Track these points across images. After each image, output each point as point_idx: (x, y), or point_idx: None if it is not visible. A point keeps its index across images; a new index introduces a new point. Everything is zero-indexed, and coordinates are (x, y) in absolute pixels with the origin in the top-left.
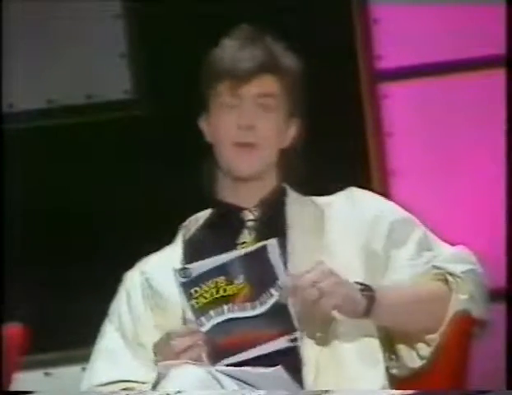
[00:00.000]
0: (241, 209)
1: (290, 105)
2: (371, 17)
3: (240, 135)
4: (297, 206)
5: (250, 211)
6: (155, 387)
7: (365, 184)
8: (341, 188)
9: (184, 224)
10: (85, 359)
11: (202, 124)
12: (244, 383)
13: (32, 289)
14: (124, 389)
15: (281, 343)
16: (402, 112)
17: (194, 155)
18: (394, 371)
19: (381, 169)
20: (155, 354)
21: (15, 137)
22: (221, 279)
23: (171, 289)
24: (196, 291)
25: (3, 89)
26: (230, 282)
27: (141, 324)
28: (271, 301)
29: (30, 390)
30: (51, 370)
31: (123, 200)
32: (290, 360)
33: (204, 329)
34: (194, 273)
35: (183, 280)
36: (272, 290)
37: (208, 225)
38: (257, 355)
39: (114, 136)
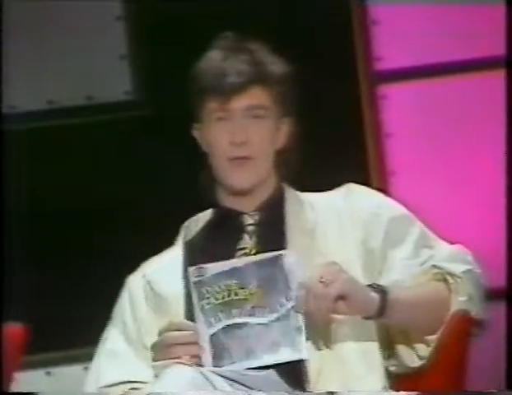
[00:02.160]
0: (240, 213)
1: (280, 110)
2: (370, 19)
3: (234, 150)
4: (295, 206)
5: (250, 216)
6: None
7: (364, 184)
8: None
9: (185, 224)
10: (86, 358)
11: (196, 134)
12: (237, 383)
13: (33, 288)
14: (132, 389)
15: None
16: (402, 113)
17: (194, 156)
18: (393, 368)
19: (380, 169)
20: (153, 352)
21: (16, 137)
22: (234, 283)
23: (173, 291)
24: (207, 291)
25: (4, 90)
26: (242, 287)
27: (145, 326)
28: (281, 310)
29: (32, 390)
30: (52, 370)
31: (123, 200)
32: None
33: (212, 331)
34: (208, 273)
35: (197, 279)
36: (284, 300)
37: (209, 228)
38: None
39: (114, 137)
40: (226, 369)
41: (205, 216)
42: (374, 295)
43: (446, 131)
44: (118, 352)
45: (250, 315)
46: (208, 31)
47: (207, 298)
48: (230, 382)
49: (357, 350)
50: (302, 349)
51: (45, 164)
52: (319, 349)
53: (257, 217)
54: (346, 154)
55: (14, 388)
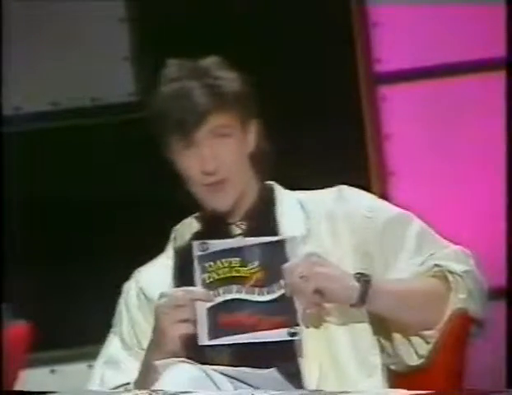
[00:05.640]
0: (227, 224)
1: (244, 118)
2: (370, 20)
3: (207, 178)
4: (286, 207)
5: (237, 226)
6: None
7: (364, 186)
8: None
9: (176, 227)
10: (90, 356)
11: (169, 156)
12: (238, 381)
13: (37, 287)
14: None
15: (280, 334)
16: (401, 114)
17: None
18: (392, 366)
19: (380, 170)
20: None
21: (19, 139)
22: (236, 260)
23: None
24: (210, 266)
25: (9, 92)
26: (244, 265)
27: (141, 332)
28: (279, 292)
29: (36, 388)
30: (57, 368)
31: (126, 201)
32: (288, 359)
33: (209, 304)
34: (211, 249)
35: (200, 253)
36: (282, 282)
37: (198, 238)
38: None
39: (117, 138)
40: (228, 367)
41: (195, 222)
42: (355, 284)
43: (446, 132)
44: (118, 358)
45: (249, 293)
46: (211, 33)
47: (209, 272)
48: (232, 380)
49: (355, 352)
50: (296, 331)
51: (49, 166)
52: (314, 345)
53: (244, 226)
54: (346, 155)
55: (19, 386)
